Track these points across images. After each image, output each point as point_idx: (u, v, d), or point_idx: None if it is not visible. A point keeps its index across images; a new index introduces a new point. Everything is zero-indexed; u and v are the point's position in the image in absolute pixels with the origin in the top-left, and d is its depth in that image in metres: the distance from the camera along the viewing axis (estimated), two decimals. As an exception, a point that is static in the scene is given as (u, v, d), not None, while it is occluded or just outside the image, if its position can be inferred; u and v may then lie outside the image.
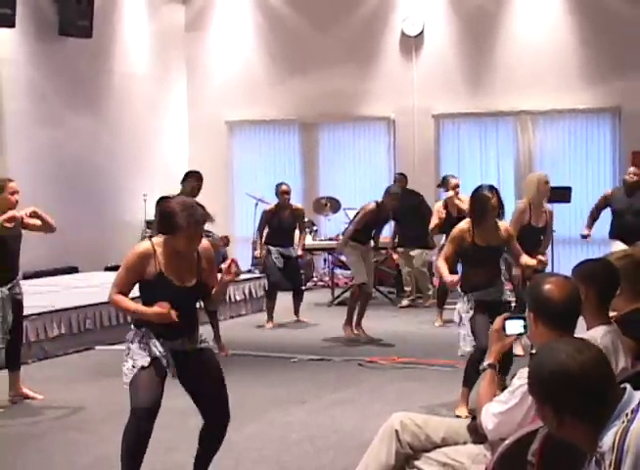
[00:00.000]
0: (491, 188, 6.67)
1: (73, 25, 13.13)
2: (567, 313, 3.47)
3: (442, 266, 6.68)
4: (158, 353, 4.53)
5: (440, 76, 14.86)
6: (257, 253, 10.99)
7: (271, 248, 10.72)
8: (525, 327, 3.74)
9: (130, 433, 4.46)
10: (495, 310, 6.15)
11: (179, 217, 4.42)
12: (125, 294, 4.59)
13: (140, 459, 4.47)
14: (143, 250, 4.55)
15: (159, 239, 4.58)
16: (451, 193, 10.75)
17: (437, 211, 10.86)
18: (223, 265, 4.68)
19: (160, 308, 4.45)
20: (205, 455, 4.76)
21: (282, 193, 10.75)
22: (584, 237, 10.27)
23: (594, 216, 10.27)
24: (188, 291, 4.59)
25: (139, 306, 4.59)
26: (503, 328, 3.83)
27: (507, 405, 3.50)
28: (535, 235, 8.48)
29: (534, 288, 3.54)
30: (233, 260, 4.66)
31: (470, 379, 6.41)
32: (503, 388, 3.82)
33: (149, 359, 4.50)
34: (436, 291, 11.21)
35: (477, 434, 3.79)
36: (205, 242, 4.71)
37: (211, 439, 4.73)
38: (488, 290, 6.57)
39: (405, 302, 12.33)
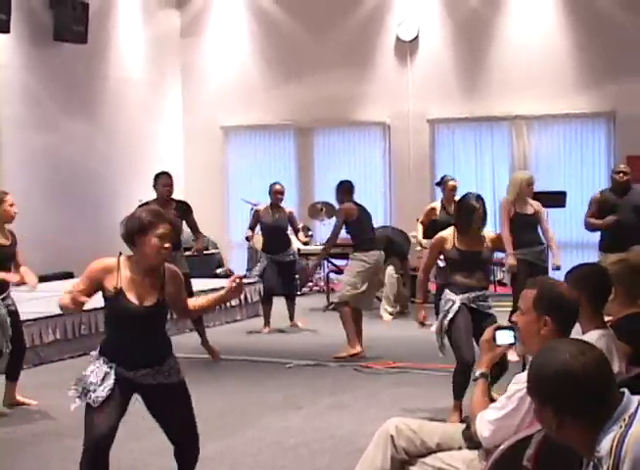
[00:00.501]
0: (478, 198, 6.65)
1: (68, 31, 13.13)
2: (577, 315, 3.54)
3: (421, 283, 6.87)
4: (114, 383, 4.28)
5: (435, 81, 14.88)
6: (248, 235, 10.94)
7: (263, 256, 10.76)
8: (515, 337, 3.78)
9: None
10: (480, 321, 6.21)
11: (145, 216, 4.29)
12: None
13: None
14: (108, 262, 4.37)
15: (125, 257, 4.40)
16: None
17: (429, 210, 10.86)
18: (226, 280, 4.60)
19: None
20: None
21: (275, 192, 10.73)
22: (614, 222, 9.04)
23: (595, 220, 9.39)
24: (146, 311, 4.33)
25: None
26: (493, 338, 3.85)
27: (504, 411, 3.50)
28: (529, 223, 8.71)
29: (553, 290, 3.56)
30: (239, 277, 4.52)
31: (458, 391, 6.42)
32: (491, 399, 3.82)
33: (109, 390, 4.26)
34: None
35: (472, 441, 3.79)
36: (173, 267, 4.54)
37: (183, 463, 4.62)
38: (476, 294, 6.53)
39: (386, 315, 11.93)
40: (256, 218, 10.89)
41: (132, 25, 15.01)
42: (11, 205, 6.97)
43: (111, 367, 4.32)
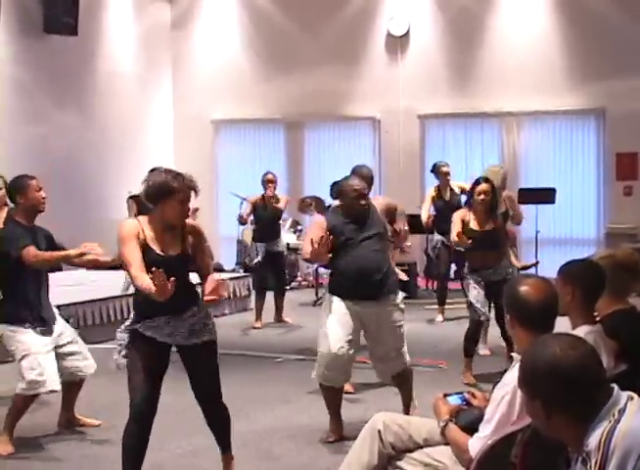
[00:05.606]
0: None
1: (59, 23, 13.10)
2: (542, 315, 3.47)
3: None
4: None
5: (426, 77, 14.88)
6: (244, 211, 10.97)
7: (257, 245, 10.73)
8: (463, 400, 3.86)
9: None
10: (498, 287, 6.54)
11: (172, 182, 4.56)
12: (143, 270, 4.44)
13: None
14: (130, 221, 4.69)
15: (143, 217, 4.67)
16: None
17: (431, 198, 10.86)
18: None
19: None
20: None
21: (267, 181, 10.73)
22: None
23: None
24: (172, 260, 4.60)
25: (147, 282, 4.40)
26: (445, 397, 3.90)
27: (494, 422, 3.42)
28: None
29: (511, 290, 3.56)
30: (223, 281, 4.75)
31: (468, 350, 7.70)
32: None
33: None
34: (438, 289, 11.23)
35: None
36: (191, 221, 4.83)
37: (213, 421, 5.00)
38: (495, 270, 7.58)
39: None
40: (251, 208, 10.83)
41: (123, 18, 14.97)
42: None
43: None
